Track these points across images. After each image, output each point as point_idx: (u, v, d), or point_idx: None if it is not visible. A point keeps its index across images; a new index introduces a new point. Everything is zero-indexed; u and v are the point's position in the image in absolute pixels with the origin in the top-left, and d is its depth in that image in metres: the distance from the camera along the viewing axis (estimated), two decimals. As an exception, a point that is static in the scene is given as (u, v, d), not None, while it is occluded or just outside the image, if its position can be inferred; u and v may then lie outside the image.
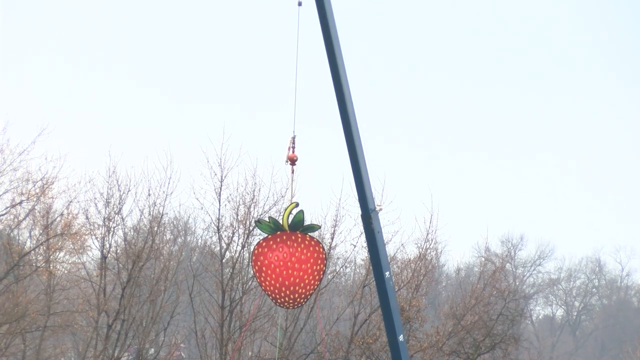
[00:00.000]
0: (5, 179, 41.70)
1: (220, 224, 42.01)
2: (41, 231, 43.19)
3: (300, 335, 43.75)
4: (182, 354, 58.69)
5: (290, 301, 19.60)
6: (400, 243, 45.00)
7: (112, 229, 42.76)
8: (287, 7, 20.21)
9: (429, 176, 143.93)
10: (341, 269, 47.37)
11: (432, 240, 45.95)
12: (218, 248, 42.95)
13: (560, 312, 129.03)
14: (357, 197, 20.84)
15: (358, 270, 51.44)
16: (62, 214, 42.91)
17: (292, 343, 42.95)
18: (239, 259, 41.97)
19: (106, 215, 42.53)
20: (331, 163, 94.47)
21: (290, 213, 19.45)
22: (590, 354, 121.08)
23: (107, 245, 42.83)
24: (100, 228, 42.70)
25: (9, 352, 42.26)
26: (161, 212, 43.19)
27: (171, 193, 42.85)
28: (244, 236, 42.01)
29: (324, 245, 21.61)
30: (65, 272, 45.52)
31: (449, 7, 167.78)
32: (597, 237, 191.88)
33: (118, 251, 43.31)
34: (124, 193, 42.58)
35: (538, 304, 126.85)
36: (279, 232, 19.51)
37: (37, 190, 42.00)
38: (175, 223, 48.75)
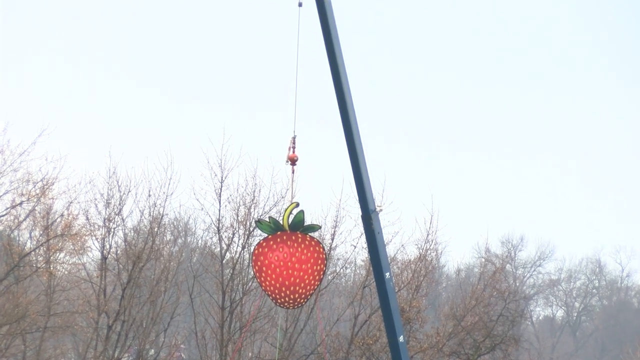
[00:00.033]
0: (5, 179, 41.75)
1: (220, 225, 42.05)
2: (41, 232, 43.21)
3: (300, 336, 43.75)
4: (182, 355, 58.72)
5: (291, 301, 19.59)
6: (400, 244, 45.07)
7: (112, 230, 42.79)
8: (287, 8, 20.24)
9: (429, 177, 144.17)
10: (341, 270, 47.43)
11: (432, 241, 46.01)
12: (218, 249, 42.97)
13: (560, 313, 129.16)
14: (357, 198, 20.85)
15: (358, 271, 51.48)
16: (62, 215, 42.96)
17: (292, 344, 42.94)
18: (239, 260, 41.97)
19: (106, 216, 42.54)
20: (331, 163, 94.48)
21: (290, 213, 19.44)
22: (590, 354, 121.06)
23: (108, 246, 42.86)
24: (101, 229, 42.73)
25: (10, 353, 42.26)
26: (161, 212, 43.24)
27: (171, 194, 42.92)
28: (244, 237, 42.03)
29: (324, 245, 21.57)
30: (66, 273, 45.55)
31: (449, 7, 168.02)
32: (597, 238, 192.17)
33: (118, 252, 43.33)
34: (124, 194, 42.63)
35: (538, 304, 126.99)
36: (279, 232, 19.49)
37: (38, 191, 42.02)
38: (175, 224, 48.82)
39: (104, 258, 42.85)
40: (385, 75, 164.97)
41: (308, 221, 19.54)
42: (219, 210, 41.81)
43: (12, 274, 41.85)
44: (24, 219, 43.36)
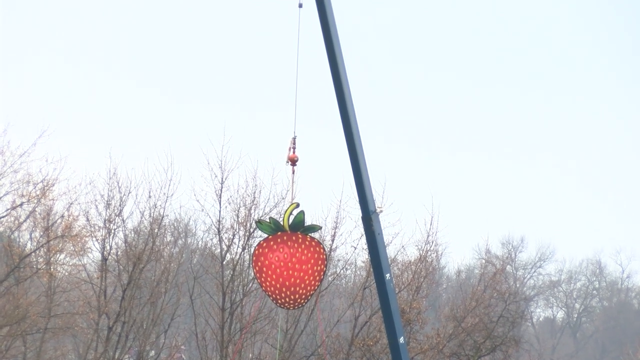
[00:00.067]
0: (5, 180, 41.77)
1: (220, 226, 42.04)
2: (42, 233, 43.22)
3: (300, 337, 43.74)
4: (183, 356, 58.73)
5: (291, 302, 19.58)
6: (400, 245, 45.04)
7: (112, 231, 42.80)
8: (288, 8, 20.27)
9: (429, 177, 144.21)
10: (342, 271, 47.44)
11: (432, 242, 46.01)
12: (218, 250, 42.97)
13: (560, 314, 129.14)
14: (357, 199, 20.86)
15: (358, 272, 51.47)
16: (62, 216, 42.97)
17: (293, 345, 42.93)
18: (240, 261, 41.96)
19: (107, 217, 42.56)
20: (332, 165, 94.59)
21: (290, 214, 19.44)
22: (590, 356, 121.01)
23: (108, 247, 42.86)
24: (101, 230, 42.73)
25: (10, 355, 42.26)
26: (162, 214, 43.27)
27: (172, 195, 42.94)
28: (244, 238, 42.02)
29: (324, 246, 21.56)
30: (66, 274, 45.56)
31: (449, 7, 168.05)
32: (598, 239, 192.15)
33: (119, 253, 43.33)
34: (124, 195, 42.65)
35: (538, 306, 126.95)
36: (279, 233, 19.49)
37: (38, 192, 42.03)
38: (175, 225, 48.83)
39: (104, 259, 42.85)
40: (385, 75, 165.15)
41: (308, 222, 19.55)
42: (219, 212, 41.86)
43: (12, 275, 41.87)
44: (25, 220, 43.39)
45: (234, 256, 42.40)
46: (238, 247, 42.17)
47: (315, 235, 19.73)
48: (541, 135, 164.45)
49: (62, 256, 44.24)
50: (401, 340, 20.77)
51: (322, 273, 19.55)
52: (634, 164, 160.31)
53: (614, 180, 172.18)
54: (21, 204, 42.27)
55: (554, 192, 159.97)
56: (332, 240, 42.99)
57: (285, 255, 19.41)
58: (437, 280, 68.65)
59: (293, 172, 20.57)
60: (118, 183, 42.53)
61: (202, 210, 42.16)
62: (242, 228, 41.95)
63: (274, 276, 19.43)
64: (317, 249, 19.46)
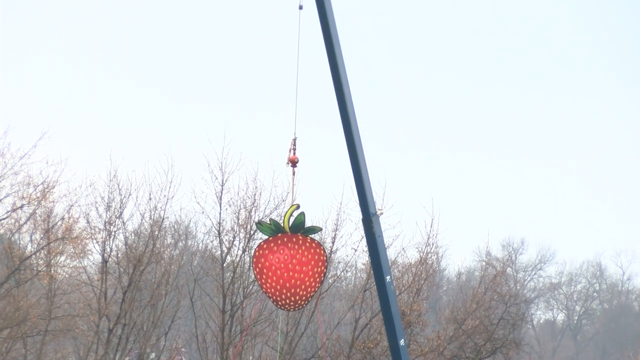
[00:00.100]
0: (6, 182, 41.77)
1: (221, 228, 42.02)
2: (42, 235, 43.22)
3: (301, 339, 43.74)
4: (183, 358, 58.75)
5: (291, 303, 19.56)
6: (401, 247, 45.00)
7: (113, 233, 42.78)
8: (288, 9, 20.27)
9: (430, 179, 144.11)
10: (342, 273, 47.47)
11: (433, 244, 45.98)
12: (219, 252, 42.94)
13: (561, 317, 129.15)
14: (358, 201, 20.86)
15: (359, 275, 51.47)
16: (63, 218, 42.96)
17: (293, 347, 42.91)
18: (240, 263, 41.95)
19: (107, 219, 42.56)
20: (332, 166, 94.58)
21: (291, 215, 19.42)
22: (591, 358, 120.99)
23: (108, 249, 42.87)
24: (101, 232, 42.73)
25: (10, 357, 42.23)
26: (162, 216, 43.24)
27: (172, 197, 42.91)
28: (244, 240, 42.01)
29: (324, 247, 21.55)
30: (66, 276, 45.54)
31: (449, 7, 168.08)
32: (598, 241, 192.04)
33: (119, 255, 43.33)
34: (125, 197, 42.65)
35: (539, 308, 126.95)
36: (280, 234, 19.48)
37: (38, 194, 42.02)
38: (176, 227, 48.82)
39: (104, 261, 42.84)
40: (385, 76, 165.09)
41: (309, 223, 19.53)
42: (220, 214, 41.84)
43: (12, 278, 41.86)
44: (25, 222, 43.38)
45: (234, 258, 42.39)
46: (238, 249, 42.19)
47: (316, 237, 19.70)
48: (541, 135, 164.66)
49: (63, 258, 44.26)
50: (402, 342, 20.77)
51: (322, 274, 19.52)
52: (634, 164, 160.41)
53: (614, 181, 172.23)
54: (21, 206, 42.27)
55: (554, 192, 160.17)
56: (333, 243, 42.99)
57: (286, 257, 19.39)
58: (438, 282, 68.65)
59: (293, 174, 20.58)
60: (118, 185, 42.58)
61: (203, 212, 42.20)
62: (242, 230, 41.96)
63: (274, 277, 19.41)
64: (318, 250, 19.44)
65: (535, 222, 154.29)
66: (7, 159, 41.55)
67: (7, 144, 41.66)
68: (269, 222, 19.70)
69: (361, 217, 20.69)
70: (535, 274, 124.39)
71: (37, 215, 42.99)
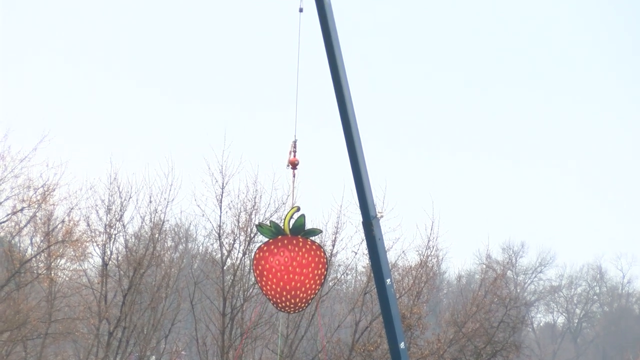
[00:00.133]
0: (6, 185, 41.77)
1: (221, 231, 42.03)
2: (42, 238, 43.21)
3: (301, 342, 43.70)
4: (183, 362, 58.69)
5: (292, 306, 19.56)
6: (401, 250, 44.98)
7: (113, 236, 42.81)
8: (288, 10, 20.29)
9: (430, 182, 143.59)
10: (342, 276, 47.38)
11: (433, 247, 45.95)
12: (219, 255, 42.96)
13: (561, 320, 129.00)
14: (358, 204, 20.87)
15: (359, 278, 51.47)
16: (63, 221, 42.95)
17: (293, 350, 42.89)
18: (240, 266, 41.95)
19: (107, 222, 42.57)
20: (333, 169, 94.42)
21: (291, 217, 19.44)
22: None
23: (108, 252, 42.89)
24: (102, 235, 42.75)
25: (10, 360, 42.28)
26: (162, 219, 43.28)
27: (172, 200, 42.96)
28: (245, 243, 42.01)
29: (325, 249, 21.55)
30: (67, 279, 45.53)
31: (449, 7, 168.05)
32: (598, 244, 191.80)
33: (119, 258, 43.34)
34: (125, 200, 42.68)
35: (539, 311, 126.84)
36: (280, 237, 19.49)
37: (39, 197, 42.03)
38: (176, 230, 48.80)
39: (104, 264, 42.84)
40: (384, 76, 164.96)
41: (309, 226, 19.54)
42: (220, 217, 41.85)
43: (13, 281, 41.85)
44: (25, 225, 43.38)
45: (234, 261, 42.40)
46: (239, 252, 42.20)
47: (316, 239, 19.72)
48: (541, 135, 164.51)
49: (63, 261, 44.24)
50: (402, 345, 20.77)
51: (322, 277, 19.54)
52: (634, 165, 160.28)
53: (614, 181, 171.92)
54: (22, 209, 42.28)
55: (554, 193, 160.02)
56: (333, 245, 42.99)
57: (286, 259, 19.40)
58: (438, 285, 68.62)
59: (294, 176, 20.59)
60: (119, 188, 42.61)
61: (203, 215, 42.21)
62: (242, 233, 41.96)
63: (274, 280, 19.43)
64: (318, 252, 19.46)
65: (535, 224, 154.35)
66: (8, 161, 41.62)
67: (8, 146, 41.77)
68: (269, 224, 19.72)
69: (361, 219, 20.71)
70: (535, 276, 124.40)
71: (38, 218, 43.01)
